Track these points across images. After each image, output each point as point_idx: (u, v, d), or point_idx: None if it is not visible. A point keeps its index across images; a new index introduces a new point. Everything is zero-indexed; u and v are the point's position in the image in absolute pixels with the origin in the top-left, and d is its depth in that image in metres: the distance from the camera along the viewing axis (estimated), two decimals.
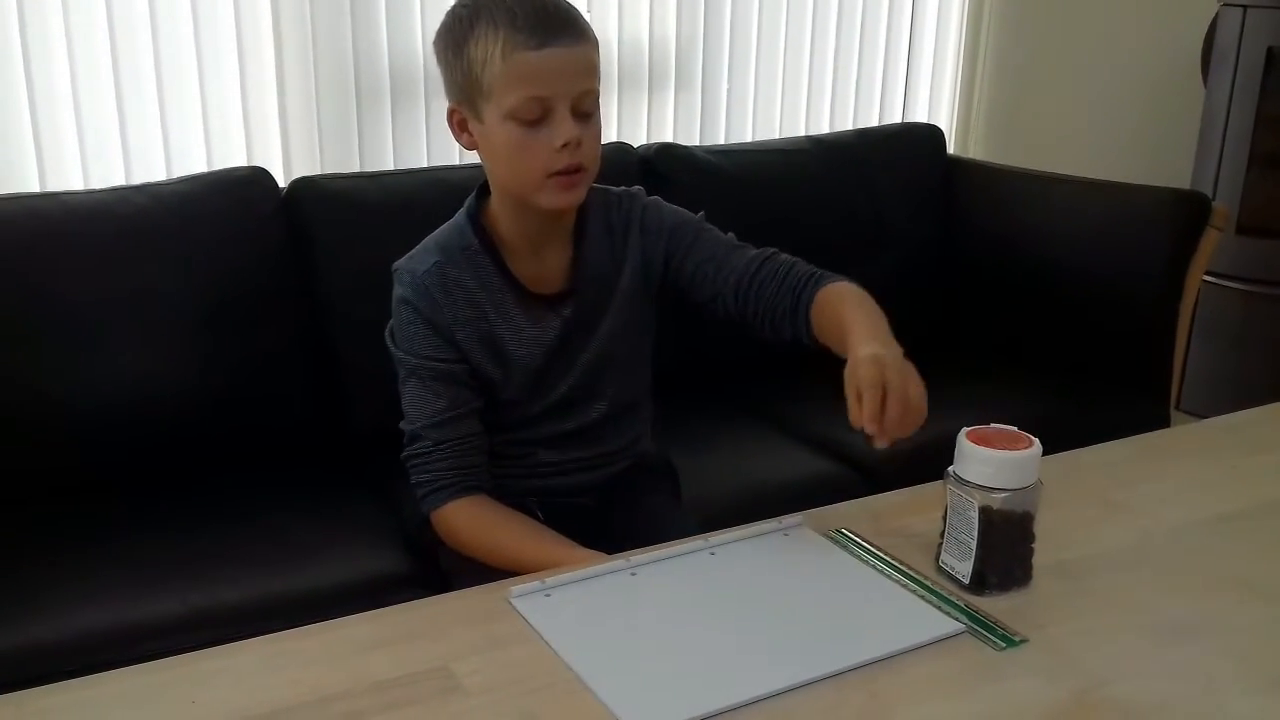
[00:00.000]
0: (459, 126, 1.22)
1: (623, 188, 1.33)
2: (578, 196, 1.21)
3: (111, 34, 1.97)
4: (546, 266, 1.27)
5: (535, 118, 1.14)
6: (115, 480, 1.67)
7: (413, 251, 1.27)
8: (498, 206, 1.26)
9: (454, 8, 1.19)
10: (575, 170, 1.17)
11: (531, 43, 1.12)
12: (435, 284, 1.23)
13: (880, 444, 0.98)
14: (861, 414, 0.98)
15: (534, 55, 1.12)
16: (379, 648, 0.88)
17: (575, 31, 1.15)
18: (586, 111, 1.17)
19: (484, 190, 1.28)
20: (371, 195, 1.89)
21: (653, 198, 1.33)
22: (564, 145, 1.14)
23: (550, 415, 1.31)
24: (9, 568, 1.45)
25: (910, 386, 0.99)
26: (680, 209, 1.33)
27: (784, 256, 1.28)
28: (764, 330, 1.26)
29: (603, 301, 1.30)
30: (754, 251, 1.28)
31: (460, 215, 1.28)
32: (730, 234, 1.32)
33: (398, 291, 1.25)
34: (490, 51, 1.13)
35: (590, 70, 1.17)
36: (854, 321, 1.11)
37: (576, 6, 1.19)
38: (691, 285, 1.29)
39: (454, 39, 1.17)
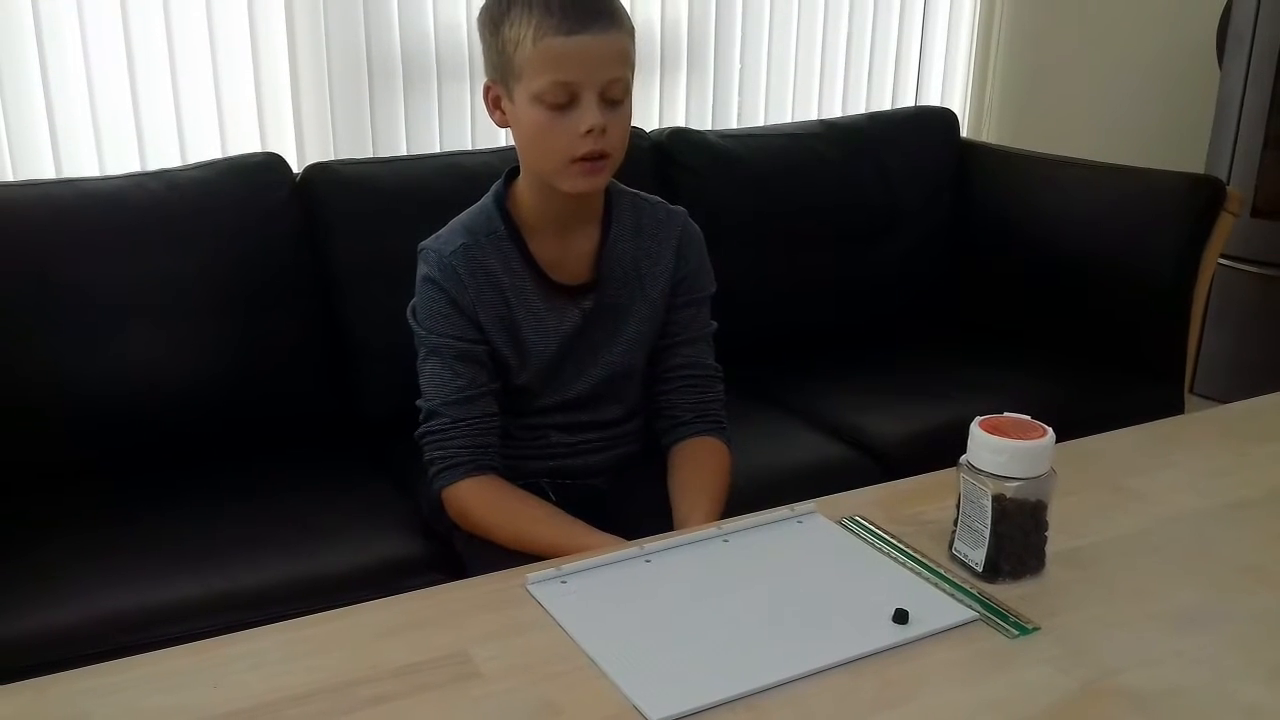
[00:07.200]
0: (493, 103, 1.24)
1: (662, 201, 1.36)
2: (600, 182, 1.22)
3: (125, 20, 1.97)
4: (570, 253, 1.28)
5: (562, 102, 1.16)
6: (131, 465, 1.68)
7: (439, 232, 1.29)
8: (525, 188, 1.27)
9: None
10: (598, 157, 1.18)
11: (562, 28, 1.14)
12: (462, 265, 1.24)
13: None
14: None
15: (563, 41, 1.14)
16: (399, 633, 0.89)
17: (608, 20, 1.17)
18: (615, 99, 1.19)
19: (511, 174, 1.30)
20: (385, 180, 1.89)
21: (697, 228, 1.36)
22: (588, 131, 1.16)
23: (564, 408, 1.33)
24: (27, 552, 1.46)
25: None
26: (707, 262, 1.37)
27: (715, 389, 1.36)
28: (650, 414, 1.37)
29: (627, 301, 1.31)
30: (705, 360, 1.36)
31: (488, 199, 1.29)
32: (714, 324, 1.38)
33: (423, 270, 1.27)
34: (523, 34, 1.15)
35: (620, 59, 1.18)
36: (694, 509, 1.21)
37: None
38: None
39: (493, 17, 1.20)
